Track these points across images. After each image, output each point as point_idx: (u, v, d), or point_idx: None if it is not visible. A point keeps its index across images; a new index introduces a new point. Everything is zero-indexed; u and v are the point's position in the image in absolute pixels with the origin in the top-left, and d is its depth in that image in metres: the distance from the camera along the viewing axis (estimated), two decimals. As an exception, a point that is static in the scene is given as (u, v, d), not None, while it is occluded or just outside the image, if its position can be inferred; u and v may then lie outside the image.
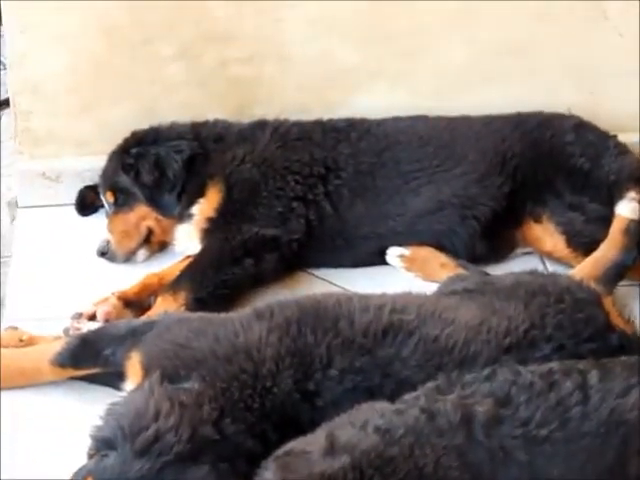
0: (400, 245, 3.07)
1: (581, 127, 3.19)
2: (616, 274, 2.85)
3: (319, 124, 3.25)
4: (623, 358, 2.23)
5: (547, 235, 3.04)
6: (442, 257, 3.02)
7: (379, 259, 3.09)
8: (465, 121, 3.26)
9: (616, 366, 2.15)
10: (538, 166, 3.11)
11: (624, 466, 1.96)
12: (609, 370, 2.13)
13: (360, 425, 2.00)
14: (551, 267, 3.04)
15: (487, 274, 2.87)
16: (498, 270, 2.95)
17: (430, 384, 2.13)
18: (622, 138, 3.20)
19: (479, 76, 3.41)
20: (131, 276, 3.02)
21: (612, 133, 3.20)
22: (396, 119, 3.27)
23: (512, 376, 2.11)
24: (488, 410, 2.00)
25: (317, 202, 3.08)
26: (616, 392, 2.05)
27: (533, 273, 2.65)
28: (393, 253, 3.07)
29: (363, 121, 3.25)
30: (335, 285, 3.01)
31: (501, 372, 2.13)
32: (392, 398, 2.13)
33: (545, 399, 2.04)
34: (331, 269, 3.08)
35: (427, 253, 3.05)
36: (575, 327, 2.36)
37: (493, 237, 3.08)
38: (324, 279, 3.06)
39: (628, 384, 2.07)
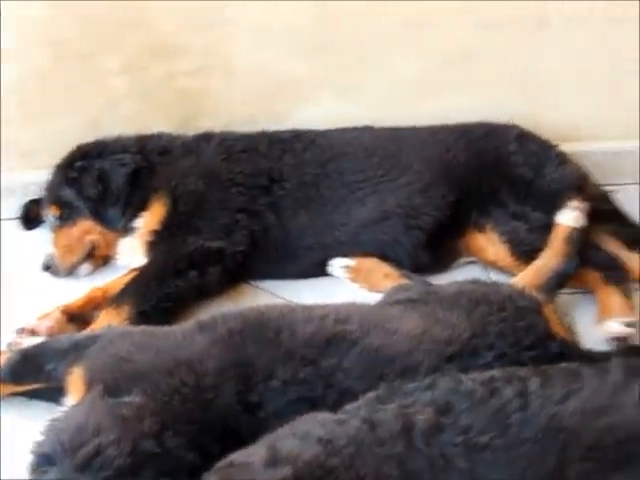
0: (344, 255, 3.07)
1: (523, 137, 3.22)
2: (557, 282, 2.86)
3: (265, 135, 3.25)
4: (563, 365, 2.25)
5: (490, 244, 3.06)
6: (386, 267, 3.03)
7: (323, 270, 3.08)
8: (410, 131, 3.27)
9: (556, 373, 2.17)
10: (482, 176, 3.12)
11: (562, 472, 1.97)
12: (549, 377, 2.14)
13: (302, 436, 2.00)
14: (494, 276, 3.05)
15: (430, 284, 2.88)
16: (441, 279, 2.96)
17: (371, 394, 2.13)
18: (563, 148, 3.23)
19: (424, 87, 3.44)
20: (77, 290, 2.99)
21: (554, 143, 3.23)
22: (341, 130, 3.28)
23: (453, 384, 2.11)
24: (428, 418, 2.01)
25: (261, 213, 3.07)
26: (556, 398, 2.06)
27: (476, 282, 2.67)
28: (337, 264, 3.07)
29: (308, 132, 3.26)
30: (279, 297, 3.00)
31: (442, 380, 2.14)
32: (334, 408, 2.13)
33: (486, 406, 2.05)
34: (275, 281, 3.07)
35: (371, 264, 3.05)
36: (516, 335, 2.39)
37: (437, 247, 3.08)
38: (268, 291, 3.05)
39: (568, 390, 2.09)
